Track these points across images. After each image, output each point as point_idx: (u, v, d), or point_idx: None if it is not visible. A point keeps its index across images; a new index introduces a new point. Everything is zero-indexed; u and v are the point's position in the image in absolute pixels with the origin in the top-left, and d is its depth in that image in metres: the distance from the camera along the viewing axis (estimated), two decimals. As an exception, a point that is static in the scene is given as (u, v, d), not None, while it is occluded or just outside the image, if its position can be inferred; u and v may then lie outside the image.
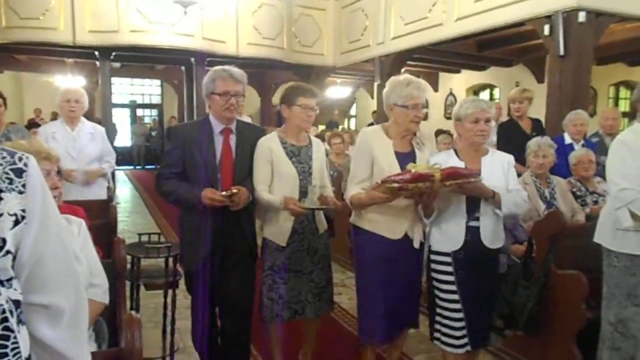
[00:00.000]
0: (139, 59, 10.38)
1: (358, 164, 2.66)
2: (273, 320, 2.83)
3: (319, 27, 9.86)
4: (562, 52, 5.18)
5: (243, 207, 2.58)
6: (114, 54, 8.32)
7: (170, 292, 3.22)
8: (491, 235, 2.57)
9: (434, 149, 2.81)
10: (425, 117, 9.82)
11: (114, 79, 10.93)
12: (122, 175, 13.77)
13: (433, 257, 2.64)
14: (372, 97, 11.67)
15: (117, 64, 11.01)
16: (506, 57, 9.70)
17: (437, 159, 2.61)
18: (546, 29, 5.35)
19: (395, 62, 8.26)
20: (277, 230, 2.80)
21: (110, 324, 2.20)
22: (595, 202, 3.86)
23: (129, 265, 2.98)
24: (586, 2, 5.15)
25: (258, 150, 2.81)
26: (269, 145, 2.78)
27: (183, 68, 9.74)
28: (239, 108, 2.65)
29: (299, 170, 2.80)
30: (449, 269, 2.56)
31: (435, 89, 13.37)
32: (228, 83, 2.56)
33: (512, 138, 4.56)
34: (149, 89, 17.47)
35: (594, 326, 2.72)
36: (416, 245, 2.66)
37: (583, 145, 4.39)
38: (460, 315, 2.56)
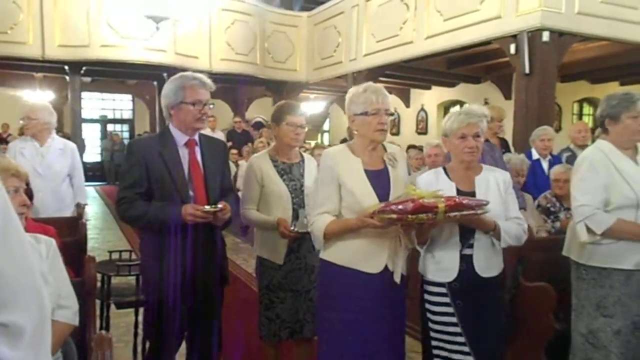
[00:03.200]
0: (109, 74, 10.27)
1: (323, 191, 2.27)
2: (272, 340, 2.79)
3: (292, 43, 9.95)
4: (527, 70, 5.36)
5: (222, 226, 2.45)
6: (84, 68, 8.22)
7: (141, 310, 3.17)
8: (485, 263, 2.32)
9: (404, 165, 2.48)
10: (397, 132, 9.89)
11: (84, 94, 10.76)
12: (92, 191, 13.52)
13: (427, 287, 2.37)
14: (345, 113, 11.76)
15: (87, 79, 10.85)
16: (475, 74, 9.95)
17: (425, 179, 2.41)
18: (512, 48, 5.53)
19: (368, 78, 8.38)
20: (273, 249, 2.75)
21: (80, 344, 2.14)
22: (568, 219, 3.97)
23: (99, 284, 2.93)
24: (549, 23, 5.35)
25: (248, 169, 2.81)
26: (259, 165, 2.77)
27: (155, 83, 9.66)
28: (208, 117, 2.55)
29: (290, 188, 2.77)
30: (445, 299, 2.31)
31: (407, 105, 13.59)
32: (200, 91, 2.38)
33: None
34: (120, 103, 17.25)
35: (563, 338, 2.78)
36: (397, 279, 2.25)
37: (550, 162, 4.51)
38: (466, 349, 2.31)
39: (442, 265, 2.32)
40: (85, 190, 4.47)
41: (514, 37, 5.54)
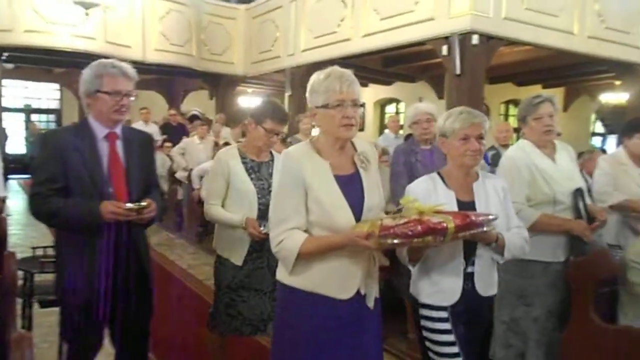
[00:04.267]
0: (34, 61, 9.72)
1: (287, 202, 1.85)
2: (229, 335, 2.71)
3: (230, 35, 9.82)
4: (458, 71, 5.58)
5: (145, 224, 2.30)
6: (6, 54, 7.74)
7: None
8: (487, 280, 2.11)
9: (377, 166, 2.08)
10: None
11: (5, 81, 10.12)
12: (15, 184, 12.73)
13: (424, 312, 2.08)
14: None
15: (9, 65, 10.21)
16: (410, 73, 10.22)
17: (421, 187, 2.10)
18: (444, 49, 5.74)
19: (306, 73, 8.42)
20: (233, 249, 2.67)
21: (-1, 345, 2.04)
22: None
23: (21, 281, 2.78)
24: (478, 26, 5.59)
25: (215, 163, 2.70)
26: (227, 160, 2.68)
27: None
28: (129, 109, 2.34)
29: (258, 187, 2.68)
30: (447, 326, 2.04)
31: (344, 102, 13.71)
32: (119, 81, 2.19)
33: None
34: (45, 92, 16.33)
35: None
36: (370, 304, 1.93)
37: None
38: None
39: (441, 286, 2.03)
40: (5, 183, 4.22)
41: (446, 39, 5.75)
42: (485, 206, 2.05)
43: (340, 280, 1.85)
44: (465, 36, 5.58)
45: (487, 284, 2.10)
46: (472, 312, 2.06)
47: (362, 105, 13.72)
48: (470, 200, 2.07)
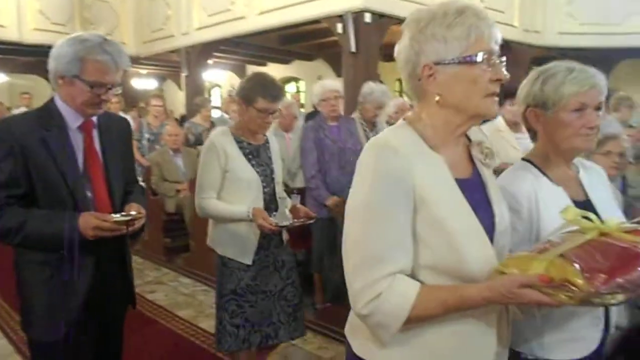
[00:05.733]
0: None
1: (383, 229, 1.10)
2: (240, 350, 2.39)
3: (117, 13, 9.27)
4: (353, 48, 5.75)
5: (133, 236, 1.91)
6: None
7: None
8: (619, 314, 1.59)
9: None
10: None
11: None
12: None
13: None
14: (181, 89, 11.40)
15: None
16: (308, 51, 10.32)
17: (526, 185, 1.41)
18: (339, 27, 5.87)
19: (202, 53, 8.21)
20: (240, 247, 2.35)
21: None
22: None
23: None
24: (370, 5, 5.78)
25: (208, 149, 2.34)
26: (223, 145, 2.32)
27: (-50, 54, 8.33)
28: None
29: (261, 173, 2.37)
30: None
31: (244, 81, 13.59)
32: (108, 71, 1.72)
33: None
34: None
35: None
36: None
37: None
38: None
39: (575, 333, 1.38)
40: None
41: (340, 17, 5.88)
42: (607, 207, 1.43)
43: (467, 355, 1.16)
44: (358, 14, 5.74)
45: (619, 317, 1.56)
46: None
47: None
48: (583, 199, 1.44)
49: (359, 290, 1.10)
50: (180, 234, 5.29)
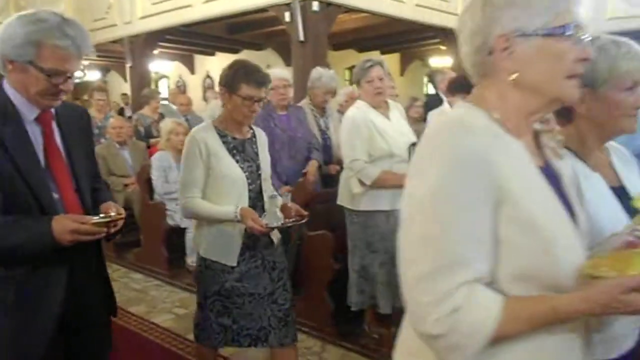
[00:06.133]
0: None
1: (460, 230, 0.90)
2: (230, 345, 2.32)
3: (55, 1, 8.85)
4: (302, 37, 5.73)
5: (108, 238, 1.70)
6: None
7: None
8: None
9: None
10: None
11: None
12: None
13: None
14: (126, 80, 11.05)
15: None
16: (257, 40, 10.20)
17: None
18: (287, 16, 5.83)
19: (147, 43, 7.98)
20: (225, 248, 2.23)
21: None
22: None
23: None
24: (318, -7, 5.77)
25: (188, 145, 2.20)
26: (204, 139, 2.18)
27: None
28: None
29: (246, 170, 2.24)
30: None
31: (192, 72, 13.33)
32: (68, 58, 1.50)
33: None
34: None
35: (343, 276, 3.16)
36: None
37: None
38: None
39: (614, 332, 1.19)
40: None
41: (288, 6, 5.84)
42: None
43: None
44: (305, 2, 5.72)
45: None
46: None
47: (209, 76, 13.49)
48: (618, 184, 1.32)
49: (428, 304, 0.88)
50: (129, 229, 5.15)
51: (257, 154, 2.31)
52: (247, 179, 2.23)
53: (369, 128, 2.90)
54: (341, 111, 5.27)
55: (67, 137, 1.63)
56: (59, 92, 1.53)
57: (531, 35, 0.93)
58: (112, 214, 1.57)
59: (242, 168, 2.22)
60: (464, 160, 0.89)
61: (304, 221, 2.34)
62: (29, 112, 1.53)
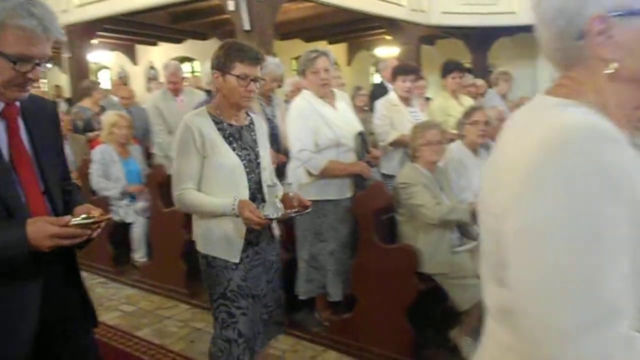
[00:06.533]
0: None
1: (604, 247, 0.69)
2: None
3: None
4: (247, 26, 5.66)
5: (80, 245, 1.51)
6: None
7: None
8: None
9: None
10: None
11: None
12: None
13: None
14: (64, 72, 10.58)
15: None
16: (201, 30, 9.99)
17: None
18: (231, 5, 5.74)
19: (85, 32, 7.65)
20: (227, 243, 2.08)
21: None
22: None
23: None
24: (262, -18, 5.71)
25: (181, 133, 2.06)
26: (199, 127, 2.04)
27: None
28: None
29: (245, 159, 2.10)
30: None
31: (135, 62, 12.92)
32: (36, 42, 1.31)
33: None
34: None
35: (293, 265, 3.17)
36: None
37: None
38: None
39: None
40: None
41: (232, -6, 5.75)
42: None
43: None
44: (249, -9, 5.66)
45: None
46: None
47: (152, 67, 13.11)
48: None
49: (571, 353, 0.67)
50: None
51: (255, 141, 2.18)
52: (246, 167, 2.09)
53: (315, 118, 2.91)
54: (288, 101, 5.27)
55: (34, 134, 1.45)
56: (27, 82, 1.35)
57: (637, 15, 0.75)
58: (95, 214, 1.41)
59: (239, 156, 2.09)
60: (607, 180, 0.69)
61: (306, 212, 2.17)
62: None
